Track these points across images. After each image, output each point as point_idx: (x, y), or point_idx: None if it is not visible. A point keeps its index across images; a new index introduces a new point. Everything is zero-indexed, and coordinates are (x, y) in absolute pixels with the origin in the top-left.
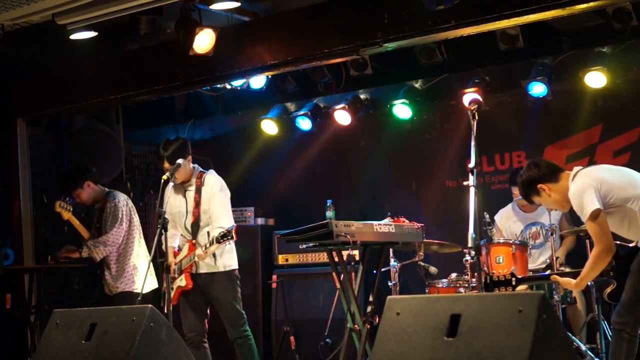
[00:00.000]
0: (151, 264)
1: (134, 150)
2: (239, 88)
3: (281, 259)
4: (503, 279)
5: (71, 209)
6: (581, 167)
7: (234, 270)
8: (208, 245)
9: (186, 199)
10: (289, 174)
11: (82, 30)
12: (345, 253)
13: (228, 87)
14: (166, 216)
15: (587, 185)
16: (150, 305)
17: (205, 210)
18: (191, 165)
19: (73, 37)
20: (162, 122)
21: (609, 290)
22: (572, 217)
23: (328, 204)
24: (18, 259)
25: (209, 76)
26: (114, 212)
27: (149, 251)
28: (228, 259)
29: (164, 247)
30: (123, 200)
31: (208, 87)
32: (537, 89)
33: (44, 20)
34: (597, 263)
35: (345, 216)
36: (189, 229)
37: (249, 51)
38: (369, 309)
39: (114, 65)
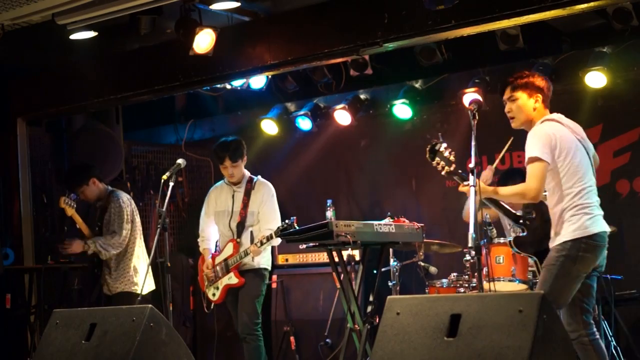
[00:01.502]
0: (149, 265)
1: (133, 150)
2: (239, 88)
3: (281, 259)
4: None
5: (75, 205)
6: (554, 117)
7: (265, 269)
8: (265, 240)
9: (233, 200)
10: (289, 174)
11: (82, 30)
12: (345, 253)
13: (228, 87)
14: (203, 214)
15: (547, 135)
16: (150, 306)
17: (252, 213)
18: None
19: (73, 37)
20: (162, 122)
21: (517, 235)
22: None
23: (328, 204)
24: (18, 259)
25: (209, 76)
26: (119, 213)
27: (149, 251)
28: (262, 257)
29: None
30: (127, 200)
31: (208, 87)
32: None
33: (44, 20)
34: (515, 194)
35: (345, 216)
36: (233, 228)
37: (249, 51)
38: (369, 309)
39: (114, 65)
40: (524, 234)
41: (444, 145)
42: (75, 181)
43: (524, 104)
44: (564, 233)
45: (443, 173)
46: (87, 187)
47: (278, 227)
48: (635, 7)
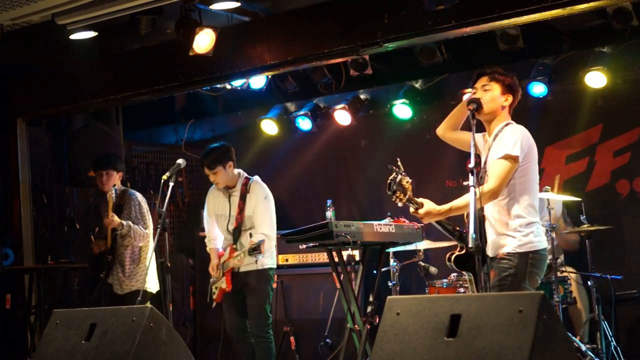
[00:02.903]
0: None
1: (133, 150)
2: (239, 88)
3: (281, 259)
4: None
5: (115, 199)
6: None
7: (270, 269)
8: (242, 256)
9: (230, 204)
10: (289, 174)
11: (82, 30)
12: (345, 253)
13: (228, 87)
14: (206, 215)
15: (527, 138)
16: (150, 305)
17: (249, 217)
18: (235, 170)
19: (73, 37)
20: (162, 122)
21: (455, 253)
22: (571, 219)
23: (328, 204)
24: (18, 259)
25: (209, 76)
26: (140, 210)
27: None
28: (266, 257)
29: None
30: (143, 198)
31: (208, 87)
32: (537, 89)
33: (44, 20)
34: (487, 199)
35: (345, 216)
36: (231, 232)
37: (249, 51)
38: (369, 309)
39: (114, 65)
40: (463, 252)
41: (400, 176)
42: (110, 162)
43: (496, 97)
44: (510, 243)
45: (399, 204)
46: (117, 173)
47: (251, 246)
48: (635, 7)
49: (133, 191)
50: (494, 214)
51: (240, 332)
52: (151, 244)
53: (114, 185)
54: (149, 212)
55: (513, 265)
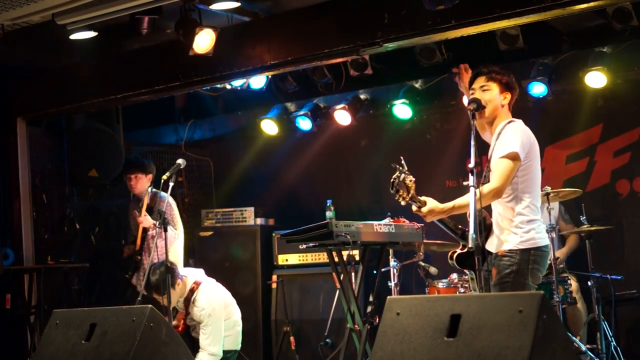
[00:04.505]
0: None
1: (134, 150)
2: (239, 88)
3: (281, 259)
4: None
5: (148, 200)
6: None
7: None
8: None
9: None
10: (289, 174)
11: (82, 30)
12: (345, 253)
13: (228, 87)
14: None
15: (527, 135)
16: (150, 306)
17: (191, 318)
18: (187, 281)
19: (73, 37)
20: (162, 122)
21: (457, 251)
22: (570, 217)
23: (328, 204)
24: (18, 259)
25: (209, 76)
26: (170, 212)
27: (149, 252)
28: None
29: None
30: (173, 201)
31: (208, 87)
32: (537, 89)
33: (44, 20)
34: (489, 198)
35: (345, 216)
36: None
37: (249, 51)
38: (369, 309)
39: (114, 65)
40: (465, 250)
41: (404, 175)
42: (138, 165)
43: (494, 97)
44: (512, 240)
45: (402, 203)
46: (146, 176)
47: None
48: (635, 7)
49: (164, 193)
50: (499, 211)
51: None
52: (180, 246)
53: (150, 186)
54: (179, 214)
55: (515, 262)
